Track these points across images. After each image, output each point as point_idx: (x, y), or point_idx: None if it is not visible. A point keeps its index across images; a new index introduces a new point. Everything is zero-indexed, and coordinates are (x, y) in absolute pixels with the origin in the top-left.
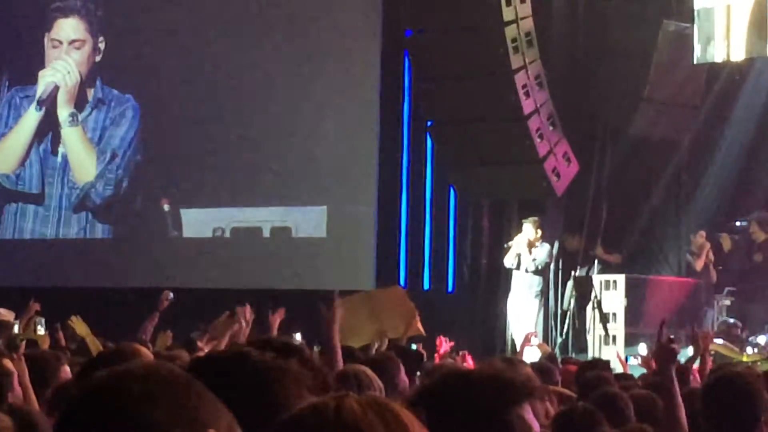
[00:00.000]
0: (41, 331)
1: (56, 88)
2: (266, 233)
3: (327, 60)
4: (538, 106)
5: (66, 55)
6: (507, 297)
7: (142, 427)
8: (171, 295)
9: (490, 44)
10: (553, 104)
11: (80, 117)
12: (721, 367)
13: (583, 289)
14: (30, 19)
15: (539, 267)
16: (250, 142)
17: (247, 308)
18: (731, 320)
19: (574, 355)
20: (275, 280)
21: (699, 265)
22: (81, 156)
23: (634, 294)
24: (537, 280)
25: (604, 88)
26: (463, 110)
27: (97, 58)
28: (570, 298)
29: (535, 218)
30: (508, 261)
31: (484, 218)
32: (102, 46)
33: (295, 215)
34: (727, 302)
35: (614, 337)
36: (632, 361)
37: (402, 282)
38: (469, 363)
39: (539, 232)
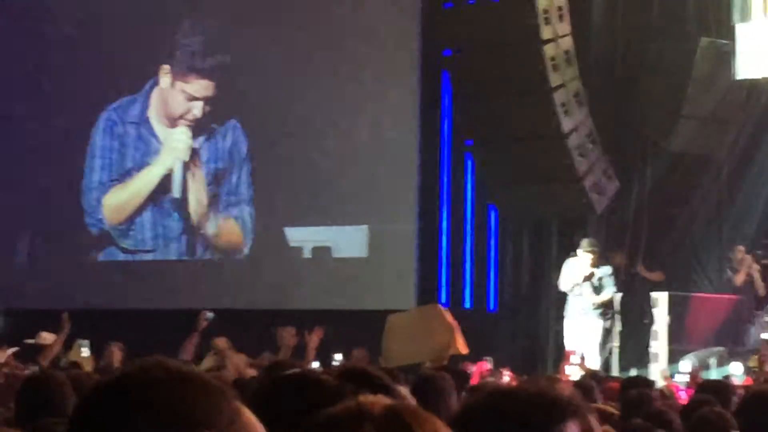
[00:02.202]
0: (86, 353)
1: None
2: (307, 254)
3: (366, 80)
4: (578, 124)
5: (200, 111)
6: (549, 316)
7: (135, 429)
8: (209, 314)
9: (528, 63)
10: (593, 122)
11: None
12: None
13: (629, 307)
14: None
15: (604, 287)
16: (290, 162)
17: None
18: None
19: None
20: (316, 301)
21: (739, 280)
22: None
23: (676, 311)
24: (598, 301)
25: (643, 104)
26: (502, 129)
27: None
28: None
29: (589, 239)
30: (565, 286)
31: (525, 237)
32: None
33: (336, 235)
34: None
35: (657, 355)
36: (678, 378)
37: (443, 301)
38: (511, 380)
39: (596, 253)
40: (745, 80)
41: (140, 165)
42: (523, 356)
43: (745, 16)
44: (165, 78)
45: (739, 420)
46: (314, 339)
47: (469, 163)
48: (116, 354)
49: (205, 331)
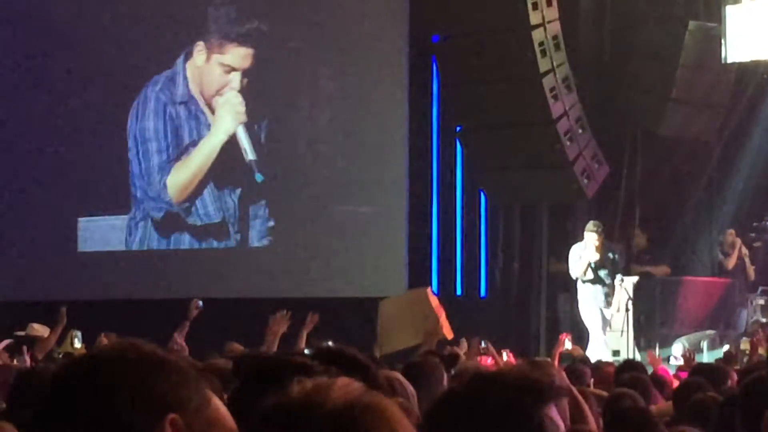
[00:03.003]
0: (78, 344)
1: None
2: (295, 240)
3: (354, 66)
4: (567, 109)
5: (237, 84)
6: (540, 301)
7: (103, 411)
8: (200, 303)
9: (517, 48)
10: (582, 107)
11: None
12: (755, 367)
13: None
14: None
15: (618, 267)
16: (275, 148)
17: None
18: (765, 320)
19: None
20: (307, 289)
21: (730, 263)
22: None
23: (667, 295)
24: (611, 282)
25: (633, 89)
26: (491, 115)
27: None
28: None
29: (597, 222)
30: (578, 272)
31: (515, 222)
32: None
33: (325, 221)
34: (762, 301)
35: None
36: (672, 361)
37: (434, 288)
38: (511, 360)
39: (601, 236)
40: (735, 63)
41: (196, 141)
42: (515, 342)
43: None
44: (200, 55)
45: (737, 403)
46: (308, 326)
47: (459, 148)
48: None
49: (196, 320)
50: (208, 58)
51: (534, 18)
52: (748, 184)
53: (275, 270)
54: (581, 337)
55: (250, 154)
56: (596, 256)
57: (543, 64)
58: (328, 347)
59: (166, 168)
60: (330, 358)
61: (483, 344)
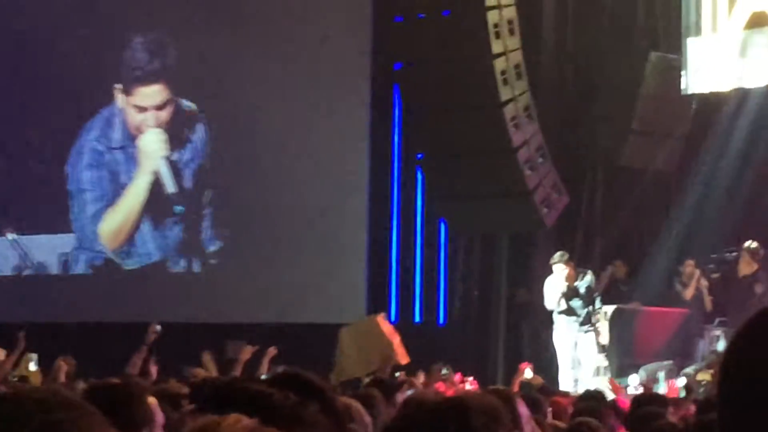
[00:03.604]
0: (33, 367)
1: (165, 162)
2: (255, 267)
3: (317, 92)
4: (528, 138)
5: (154, 120)
6: (498, 329)
7: None
8: (158, 327)
9: (479, 77)
10: (543, 136)
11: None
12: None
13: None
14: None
15: (594, 296)
16: (240, 175)
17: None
18: (721, 350)
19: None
20: (267, 315)
21: (688, 294)
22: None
23: (624, 325)
24: (584, 313)
25: (593, 119)
26: (453, 143)
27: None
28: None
29: (562, 252)
30: (552, 304)
31: (475, 251)
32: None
33: (286, 246)
34: (718, 332)
35: (606, 368)
36: (630, 391)
37: (393, 314)
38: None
39: (571, 265)
40: (695, 95)
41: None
42: (473, 369)
43: (694, 31)
44: (120, 95)
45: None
46: (270, 353)
47: (420, 176)
48: (63, 368)
49: (154, 345)
50: (126, 101)
51: (496, 47)
52: (708, 215)
53: (234, 295)
54: (548, 367)
55: (170, 188)
56: (565, 286)
57: (504, 93)
58: (285, 372)
59: (100, 216)
60: (286, 382)
61: (444, 371)
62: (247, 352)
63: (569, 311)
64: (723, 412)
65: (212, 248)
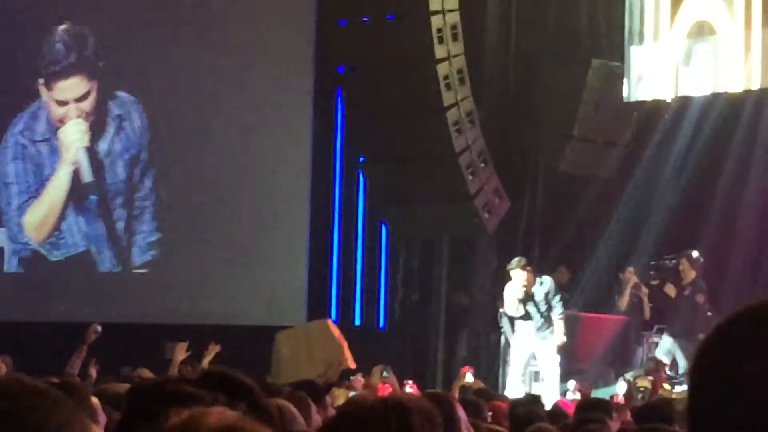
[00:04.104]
0: None
1: (85, 152)
2: (195, 267)
3: (259, 94)
4: (470, 143)
5: (75, 112)
6: (438, 333)
7: None
8: (99, 327)
9: (422, 81)
10: (485, 141)
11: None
12: (656, 404)
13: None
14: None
15: (554, 301)
16: (177, 176)
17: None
18: (659, 358)
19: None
20: (208, 316)
21: (623, 303)
22: None
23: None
24: (542, 319)
25: (535, 125)
26: (395, 147)
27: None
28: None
29: (519, 259)
30: (512, 310)
31: (416, 255)
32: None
33: (225, 248)
34: (656, 339)
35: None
36: (569, 395)
37: (333, 318)
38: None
39: (528, 270)
40: (635, 102)
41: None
42: (412, 373)
43: (637, 39)
44: (42, 90)
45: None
46: (210, 353)
47: (362, 179)
48: (2, 367)
49: (94, 345)
50: (48, 95)
51: (439, 52)
52: (648, 222)
53: (170, 294)
54: (488, 371)
55: (87, 177)
56: (522, 292)
57: (447, 98)
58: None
59: (24, 208)
60: (216, 382)
61: (385, 373)
62: (181, 351)
63: (527, 316)
64: (696, 422)
65: (147, 242)
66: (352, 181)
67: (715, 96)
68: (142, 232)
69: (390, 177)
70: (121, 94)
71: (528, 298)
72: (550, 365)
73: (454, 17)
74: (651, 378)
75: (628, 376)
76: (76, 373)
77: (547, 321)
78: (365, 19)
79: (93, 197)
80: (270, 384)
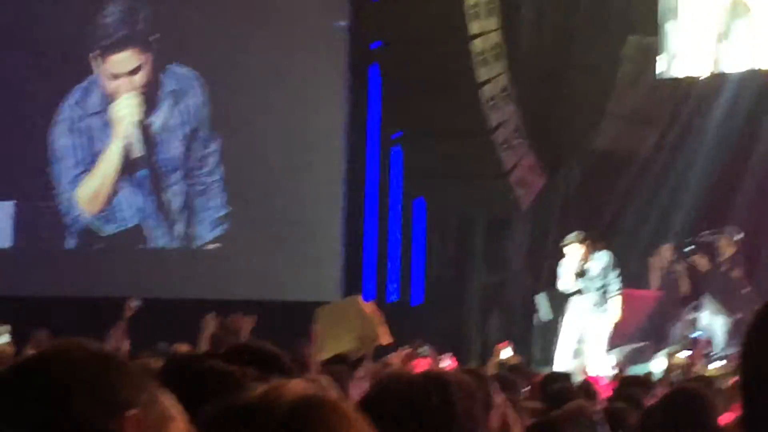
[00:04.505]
0: (5, 339)
1: (138, 126)
2: (232, 244)
3: (293, 72)
4: (505, 119)
5: (128, 86)
6: (473, 310)
7: (62, 416)
8: (136, 302)
9: (457, 57)
10: (520, 117)
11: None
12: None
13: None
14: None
15: (611, 276)
16: (239, 151)
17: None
18: (696, 335)
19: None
20: (244, 292)
21: (657, 279)
22: None
23: None
24: (598, 294)
25: (571, 102)
26: (429, 123)
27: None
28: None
29: (577, 233)
30: (567, 285)
31: (451, 230)
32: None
33: (261, 226)
34: (693, 316)
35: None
36: (606, 372)
37: (368, 294)
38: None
39: (586, 245)
40: (670, 78)
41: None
42: (448, 350)
43: (671, 15)
44: (96, 63)
45: (662, 415)
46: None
47: (397, 155)
48: (44, 342)
49: (132, 320)
50: (102, 68)
51: (474, 27)
52: (685, 199)
53: (209, 271)
54: (524, 347)
55: (138, 152)
56: (579, 266)
57: (482, 74)
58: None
59: (77, 182)
60: (245, 355)
61: (423, 349)
62: (210, 323)
63: (582, 291)
64: (751, 398)
65: (215, 218)
66: (387, 157)
67: (751, 72)
68: (209, 208)
69: (425, 153)
70: (177, 68)
71: (584, 273)
72: (601, 342)
73: None
74: (687, 355)
75: (664, 352)
76: (115, 348)
77: (603, 297)
78: None
79: (144, 172)
80: (300, 358)
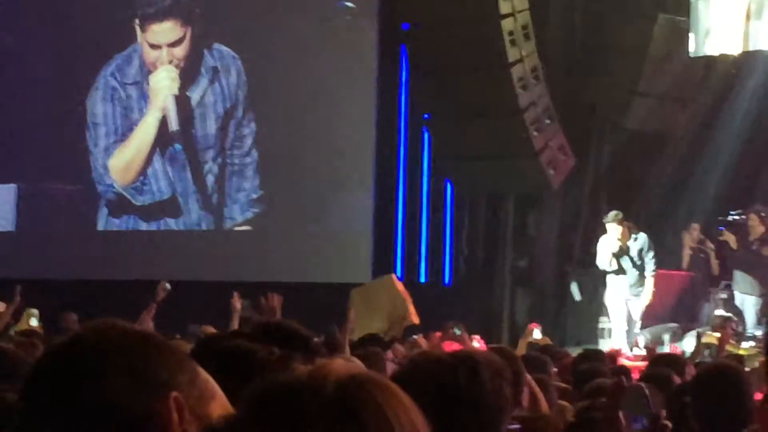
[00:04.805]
0: (35, 322)
1: (173, 100)
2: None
3: (324, 53)
4: (535, 99)
5: (167, 57)
6: (504, 290)
7: (104, 401)
8: (168, 285)
9: (486, 37)
10: (550, 98)
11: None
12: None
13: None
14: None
15: (647, 257)
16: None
17: (236, 296)
18: (727, 314)
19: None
20: (274, 273)
21: (684, 259)
22: None
23: None
24: (636, 274)
25: (601, 81)
26: (459, 104)
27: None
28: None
29: (616, 212)
30: (605, 264)
31: (481, 211)
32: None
33: (292, 207)
34: (724, 296)
35: (607, 330)
36: (636, 351)
37: (398, 274)
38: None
39: (625, 224)
40: (702, 57)
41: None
42: (478, 331)
43: None
44: (138, 31)
45: (693, 395)
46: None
47: (426, 136)
48: (73, 324)
49: (164, 303)
50: (143, 37)
51: (504, 7)
52: (715, 178)
53: (240, 252)
54: (552, 328)
55: (173, 125)
56: (617, 246)
57: (512, 54)
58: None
59: (111, 150)
60: (270, 334)
61: (457, 330)
62: (237, 301)
63: (620, 271)
64: None
65: (249, 199)
66: (417, 138)
67: None
68: (243, 189)
69: (455, 134)
70: (219, 46)
71: (622, 252)
72: (636, 321)
73: None
74: (718, 334)
75: (694, 332)
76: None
77: (641, 277)
78: None
79: (178, 146)
80: (334, 340)
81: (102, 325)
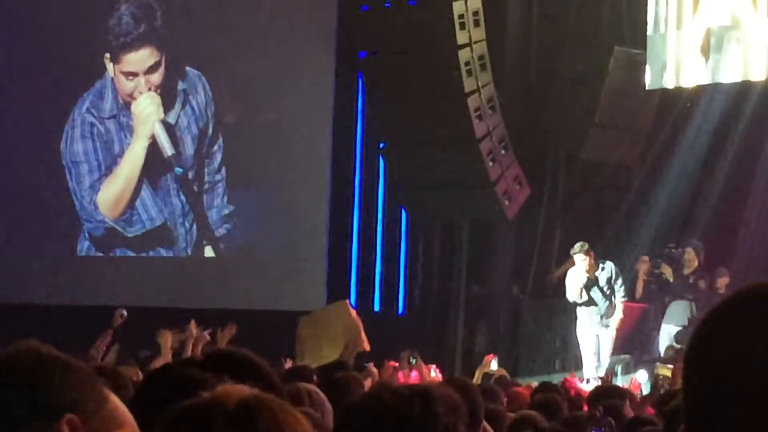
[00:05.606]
0: None
1: (160, 125)
2: (215, 252)
3: (280, 79)
4: (491, 129)
5: (145, 85)
6: (457, 320)
7: (4, 421)
8: (124, 312)
9: (443, 67)
10: (506, 128)
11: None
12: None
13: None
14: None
15: (616, 285)
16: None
17: (192, 323)
18: (678, 345)
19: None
20: (227, 300)
21: (638, 290)
22: None
23: None
24: (605, 304)
25: (557, 112)
26: (415, 132)
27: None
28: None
29: (582, 243)
30: (573, 296)
31: (436, 240)
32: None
33: (245, 233)
34: (676, 328)
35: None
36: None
37: (352, 303)
38: (439, 377)
39: (591, 255)
40: (658, 90)
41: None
42: (432, 361)
43: (659, 27)
44: (109, 64)
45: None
46: (226, 335)
47: (382, 164)
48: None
49: (119, 329)
50: (116, 69)
51: (461, 38)
52: (668, 210)
53: (190, 280)
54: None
55: (168, 150)
56: (585, 277)
57: (468, 84)
58: (219, 351)
59: (96, 187)
60: (221, 362)
61: (413, 359)
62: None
63: (590, 302)
64: (691, 402)
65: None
66: (373, 166)
67: (740, 84)
68: (215, 206)
69: (410, 162)
70: (187, 68)
71: (591, 284)
72: (606, 352)
73: (476, 3)
74: (671, 366)
75: (648, 364)
76: (100, 356)
77: (611, 307)
78: (387, 4)
79: (178, 170)
80: (300, 368)
81: (19, 347)
